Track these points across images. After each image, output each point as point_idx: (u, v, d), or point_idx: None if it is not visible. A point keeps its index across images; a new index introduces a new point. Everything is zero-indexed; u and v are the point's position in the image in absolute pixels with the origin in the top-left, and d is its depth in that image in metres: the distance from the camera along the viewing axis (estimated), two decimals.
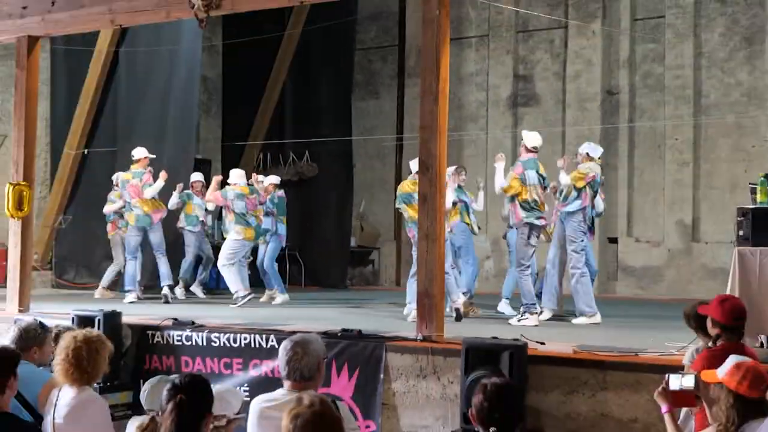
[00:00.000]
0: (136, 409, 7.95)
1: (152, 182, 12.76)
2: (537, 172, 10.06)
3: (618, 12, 17.04)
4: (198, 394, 4.16)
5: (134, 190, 12.67)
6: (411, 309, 9.91)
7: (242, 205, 12.47)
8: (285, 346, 4.96)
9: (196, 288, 13.95)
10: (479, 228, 12.14)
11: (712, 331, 5.22)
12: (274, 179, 13.65)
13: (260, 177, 13.69)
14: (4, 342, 5.63)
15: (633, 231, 16.81)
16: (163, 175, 12.81)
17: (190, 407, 4.08)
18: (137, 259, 12.88)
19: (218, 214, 14.10)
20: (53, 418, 5.15)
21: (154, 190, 12.73)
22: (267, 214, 13.19)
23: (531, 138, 10.31)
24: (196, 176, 14.09)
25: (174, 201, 13.54)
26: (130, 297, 12.50)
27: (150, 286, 13.56)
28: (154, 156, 13.05)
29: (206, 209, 13.86)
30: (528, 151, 10.21)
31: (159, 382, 5.29)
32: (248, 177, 13.36)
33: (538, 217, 10.05)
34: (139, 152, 12.91)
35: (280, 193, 13.59)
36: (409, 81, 19.00)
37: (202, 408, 4.15)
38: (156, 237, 12.87)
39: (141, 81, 15.16)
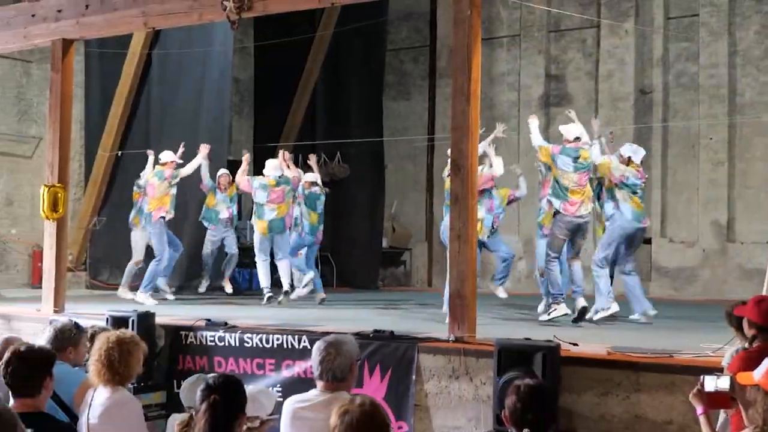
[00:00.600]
0: (169, 408, 8.01)
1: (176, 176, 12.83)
2: (575, 160, 9.89)
3: (651, 11, 16.93)
4: (231, 395, 4.18)
5: (151, 188, 12.66)
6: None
7: (263, 196, 12.44)
8: (318, 346, 4.97)
9: (225, 283, 13.91)
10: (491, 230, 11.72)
11: (749, 332, 5.17)
12: (310, 177, 13.44)
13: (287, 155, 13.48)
14: (39, 342, 5.68)
15: (667, 231, 16.69)
16: (204, 148, 13.04)
17: (224, 407, 4.09)
18: (159, 261, 12.67)
19: (249, 214, 14.07)
20: (88, 419, 5.19)
21: (190, 166, 12.90)
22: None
23: (568, 130, 10.23)
24: (223, 171, 13.99)
25: (207, 179, 13.53)
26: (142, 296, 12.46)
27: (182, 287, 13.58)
28: (182, 161, 13.00)
29: (231, 200, 13.79)
30: (569, 142, 10.11)
31: (198, 380, 5.34)
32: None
33: (565, 206, 9.84)
34: (166, 155, 12.88)
35: (315, 189, 13.30)
36: (440, 81, 18.99)
37: (235, 408, 4.17)
38: (154, 241, 12.74)
39: (173, 83, 15.23)
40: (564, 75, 17.97)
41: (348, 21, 16.64)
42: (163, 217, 12.69)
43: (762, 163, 15.93)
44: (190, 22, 10.16)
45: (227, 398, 4.13)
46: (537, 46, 18.07)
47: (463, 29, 7.96)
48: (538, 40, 18.07)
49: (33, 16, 10.70)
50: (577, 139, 10.09)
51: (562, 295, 9.78)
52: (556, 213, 9.98)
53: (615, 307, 9.90)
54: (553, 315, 9.57)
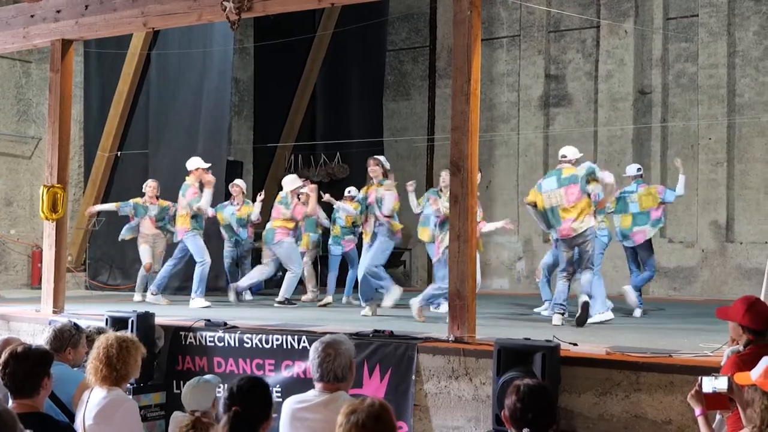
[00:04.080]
0: (169, 409, 8.00)
1: (199, 195, 12.03)
2: (558, 178, 9.83)
3: (651, 11, 16.95)
4: (254, 403, 4.08)
5: (180, 201, 12.17)
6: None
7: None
8: (316, 347, 4.94)
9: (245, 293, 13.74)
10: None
11: (743, 337, 5.07)
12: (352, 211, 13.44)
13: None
14: (38, 343, 5.67)
15: (666, 232, 16.69)
16: (208, 180, 12.14)
17: (245, 419, 4.03)
18: (201, 263, 12.17)
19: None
20: (84, 419, 5.18)
21: (206, 202, 12.04)
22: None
23: (563, 150, 10.30)
24: (238, 181, 13.66)
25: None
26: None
27: (182, 288, 13.45)
28: (209, 165, 12.32)
29: (247, 221, 13.34)
30: (559, 162, 10.18)
31: (198, 384, 5.34)
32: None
33: (549, 227, 9.95)
34: (192, 163, 12.20)
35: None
36: (440, 82, 19.01)
37: (256, 418, 4.08)
38: (192, 247, 12.17)
39: (173, 83, 15.21)
40: (564, 75, 17.98)
41: (348, 21, 16.64)
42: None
43: (761, 163, 15.96)
44: (189, 22, 10.13)
45: (249, 408, 4.05)
46: (537, 46, 18.09)
47: (463, 29, 7.95)
48: (537, 41, 18.09)
49: (32, 16, 10.69)
50: (563, 157, 10.15)
51: (564, 307, 9.79)
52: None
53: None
54: (555, 322, 9.61)
